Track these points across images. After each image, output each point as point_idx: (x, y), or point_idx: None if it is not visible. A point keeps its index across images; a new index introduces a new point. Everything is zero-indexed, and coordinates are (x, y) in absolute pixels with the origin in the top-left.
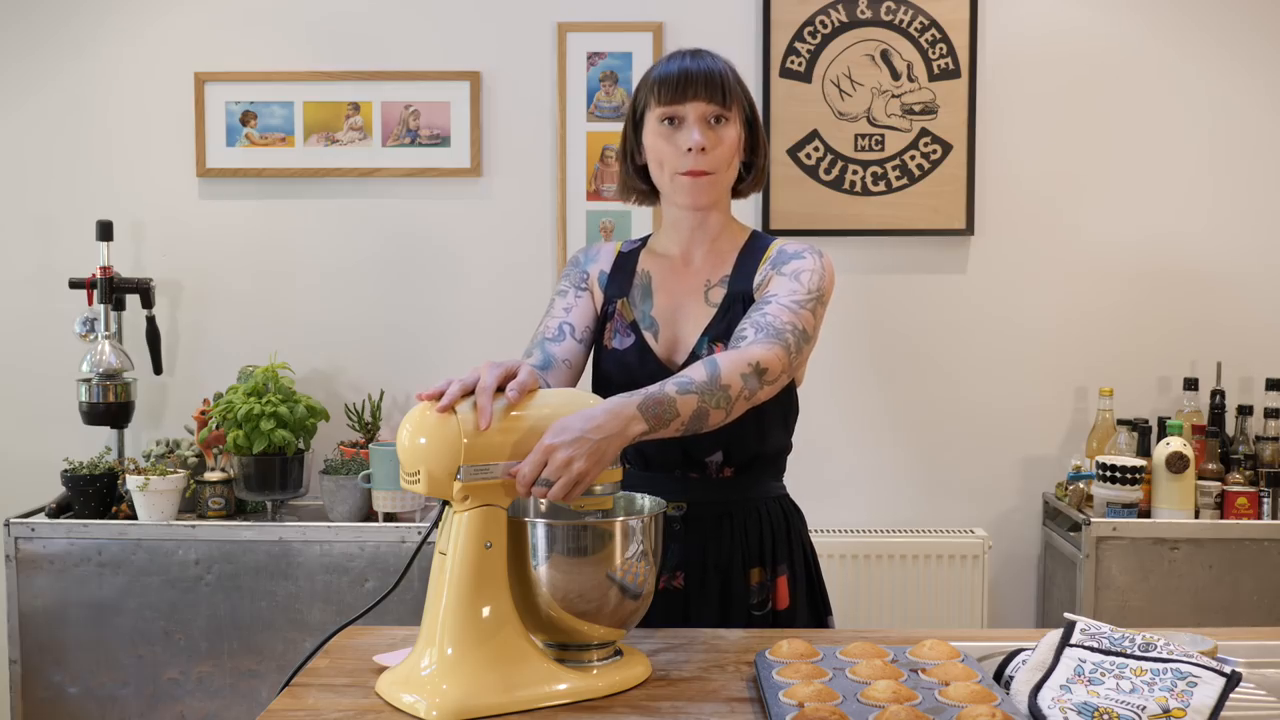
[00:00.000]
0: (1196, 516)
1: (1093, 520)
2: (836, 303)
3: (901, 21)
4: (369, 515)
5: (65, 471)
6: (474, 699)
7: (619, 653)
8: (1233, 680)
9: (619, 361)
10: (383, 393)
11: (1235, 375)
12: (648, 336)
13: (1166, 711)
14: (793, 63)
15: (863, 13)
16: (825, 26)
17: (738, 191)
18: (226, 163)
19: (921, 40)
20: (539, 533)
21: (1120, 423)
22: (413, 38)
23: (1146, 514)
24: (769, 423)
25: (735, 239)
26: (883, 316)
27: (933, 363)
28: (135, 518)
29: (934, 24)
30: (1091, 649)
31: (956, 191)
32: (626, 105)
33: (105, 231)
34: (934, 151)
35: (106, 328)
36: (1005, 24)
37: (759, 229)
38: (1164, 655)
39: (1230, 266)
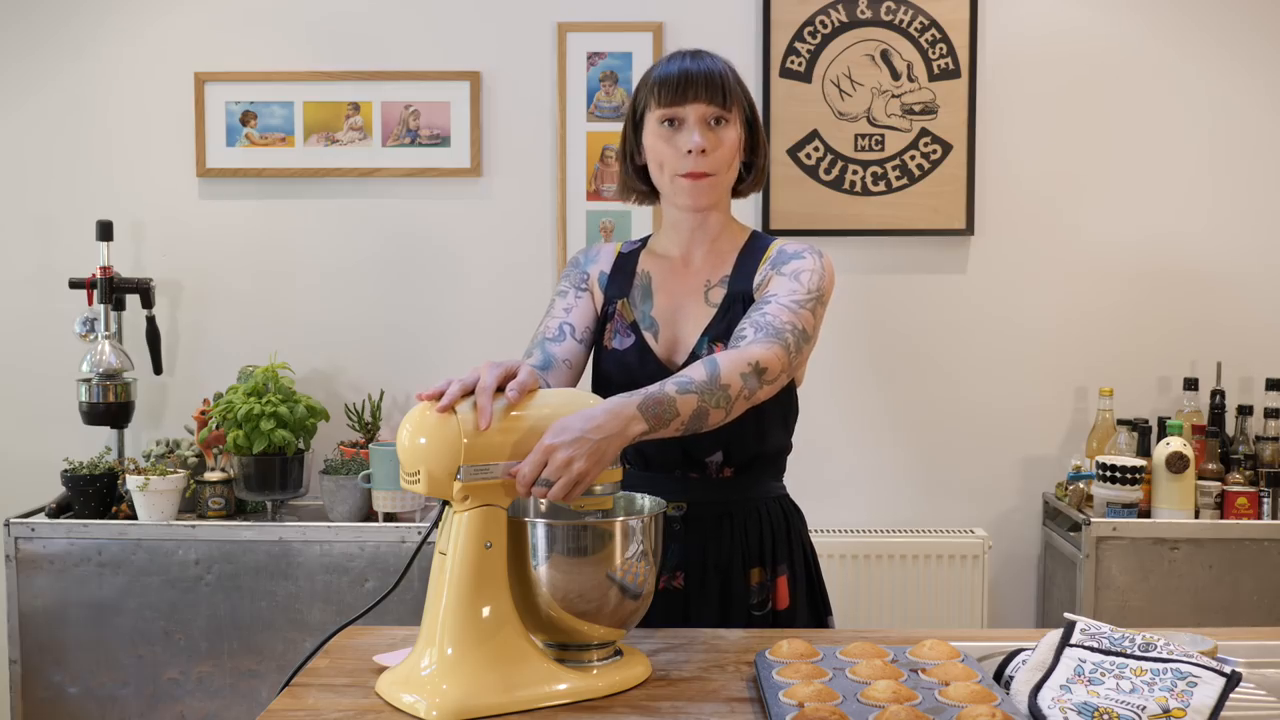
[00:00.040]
0: (1196, 516)
1: (1093, 520)
2: (836, 303)
3: (901, 21)
4: (369, 515)
5: (65, 471)
6: (474, 699)
7: (619, 653)
8: (1233, 680)
9: (619, 362)
10: (383, 393)
11: (1235, 375)
12: (648, 337)
13: (1166, 711)
14: (793, 63)
15: (863, 13)
16: (825, 26)
17: (737, 192)
18: (226, 163)
19: (921, 40)
20: (539, 533)
21: (1120, 423)
22: (413, 38)
23: (1146, 514)
24: (769, 423)
25: (735, 239)
26: (883, 316)
27: (933, 363)
28: (135, 518)
29: (934, 24)
30: (1091, 649)
31: (956, 191)
32: (626, 105)
33: (105, 231)
34: (934, 151)
35: (106, 328)
36: (1005, 24)
37: (759, 229)
38: (1164, 655)
39: (1230, 266)
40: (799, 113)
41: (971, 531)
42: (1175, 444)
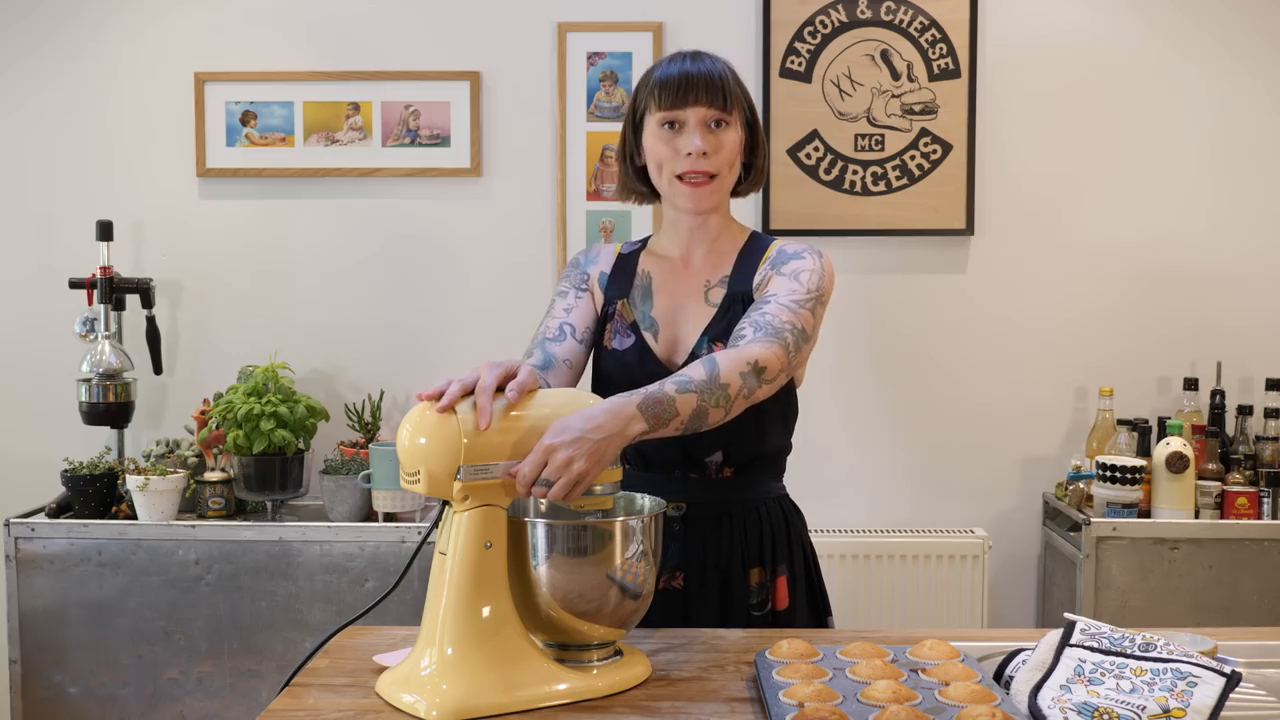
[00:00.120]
0: (1196, 516)
1: (1093, 520)
2: (836, 303)
3: (901, 21)
4: (369, 515)
5: (65, 471)
6: (474, 699)
7: (619, 653)
8: (1233, 680)
9: (619, 362)
10: (383, 393)
11: (1235, 375)
12: (648, 337)
13: (1166, 711)
14: (793, 63)
15: (863, 13)
16: (825, 26)
17: (736, 192)
18: (226, 163)
19: (921, 40)
20: (539, 533)
21: (1120, 423)
22: (413, 38)
23: (1146, 514)
24: (768, 423)
25: (735, 239)
26: (883, 316)
27: (933, 363)
28: (135, 518)
29: (934, 24)
30: (1091, 649)
31: (956, 191)
32: (626, 106)
33: (105, 231)
34: (934, 151)
35: (106, 328)
36: (1005, 24)
37: (759, 229)
38: (1164, 655)
39: (1230, 266)
40: (799, 113)
41: (971, 531)
42: (1175, 444)
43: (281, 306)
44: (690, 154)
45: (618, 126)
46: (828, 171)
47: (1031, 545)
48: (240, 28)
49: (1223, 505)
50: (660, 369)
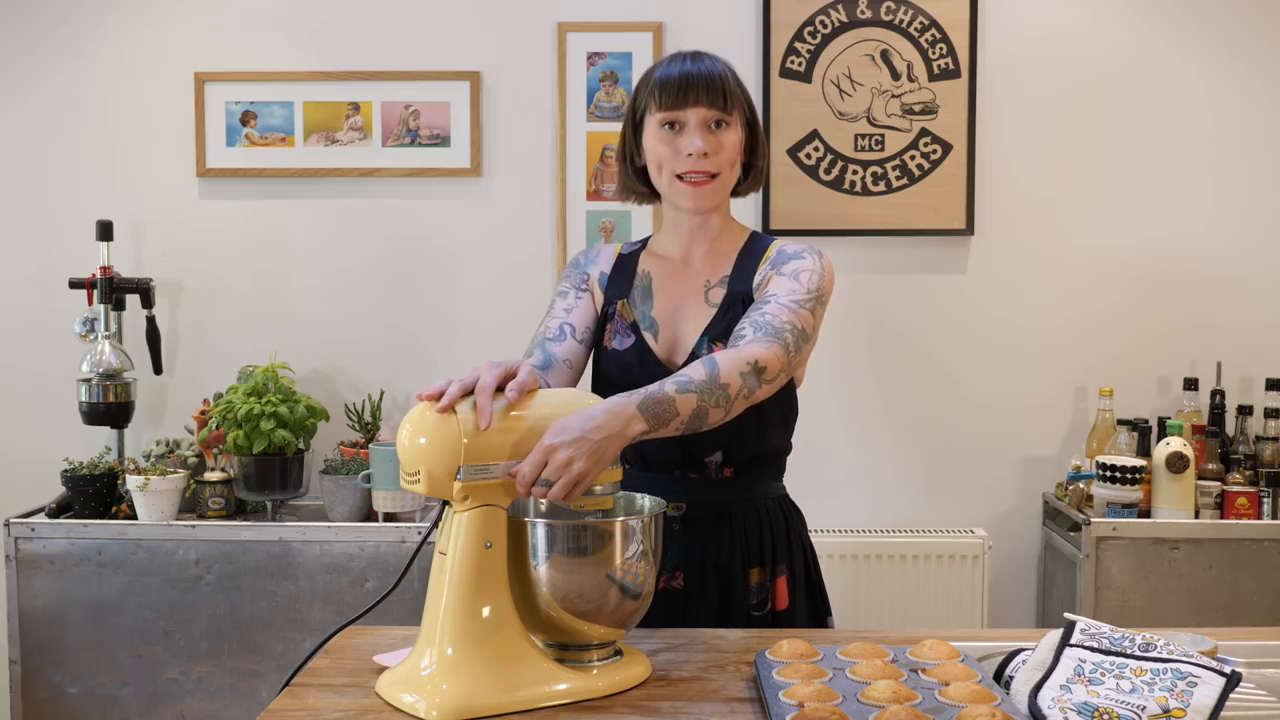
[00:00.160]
0: (1196, 516)
1: (1093, 520)
2: (836, 303)
3: (901, 21)
4: (369, 515)
5: (65, 471)
6: (474, 699)
7: (619, 653)
8: (1233, 680)
9: (619, 362)
10: (383, 393)
11: (1235, 375)
12: (647, 337)
13: (1166, 711)
14: (793, 63)
15: (863, 13)
16: (825, 26)
17: (736, 192)
18: (226, 163)
19: (921, 40)
20: (539, 533)
21: (1120, 423)
22: (412, 38)
23: (1146, 514)
24: (768, 423)
25: (735, 239)
26: (883, 316)
27: (933, 363)
28: (135, 518)
29: (934, 24)
30: (1091, 649)
31: (956, 191)
32: (626, 106)
33: (105, 231)
34: (934, 151)
35: (106, 328)
36: (1005, 24)
37: (759, 229)
38: (1164, 655)
39: (1230, 267)
40: (799, 113)
41: (971, 531)
42: (1175, 444)
43: (281, 306)
44: (691, 154)
45: (618, 126)
46: (828, 171)
47: (1031, 545)
48: (240, 28)
49: (1223, 505)
50: (660, 369)
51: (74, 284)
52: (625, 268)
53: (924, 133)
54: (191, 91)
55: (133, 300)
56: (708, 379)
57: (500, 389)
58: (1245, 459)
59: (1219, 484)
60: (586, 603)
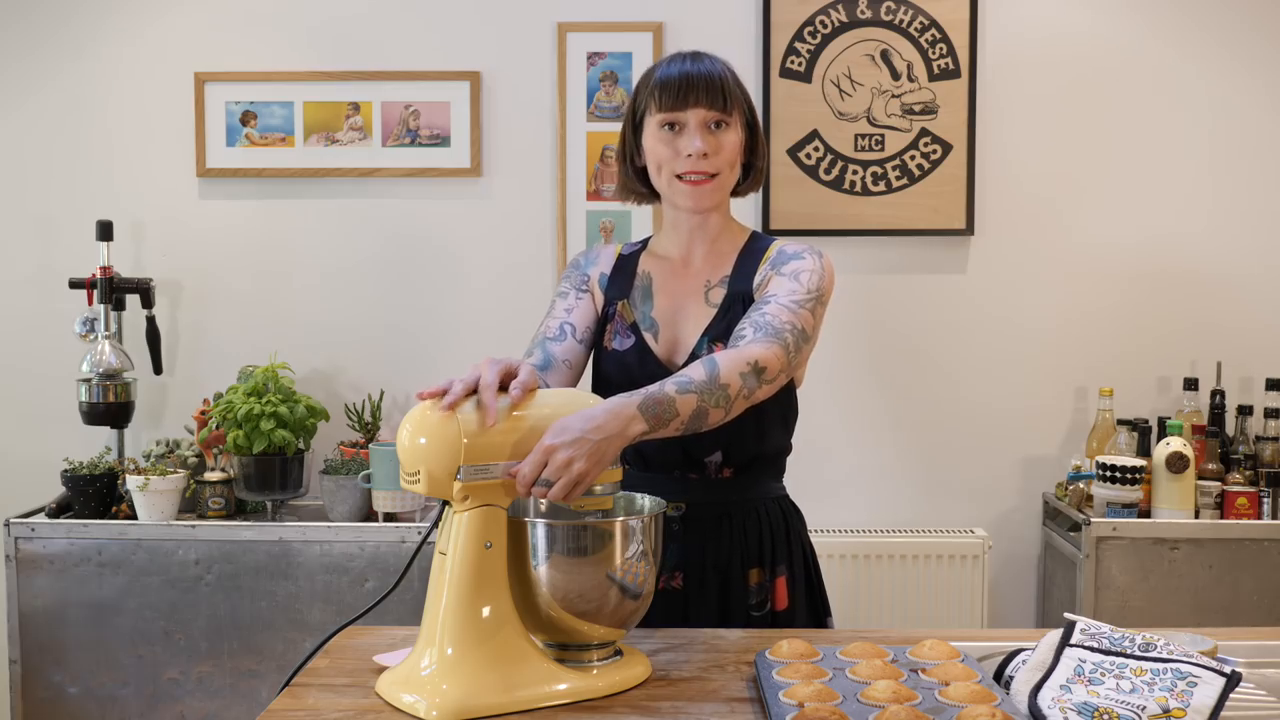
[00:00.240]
0: (1196, 516)
1: (1093, 520)
2: (836, 303)
3: (901, 21)
4: (369, 515)
5: (65, 471)
6: (474, 699)
7: (619, 653)
8: (1233, 680)
9: (619, 362)
10: (383, 393)
11: (1235, 375)
12: (647, 337)
13: (1166, 711)
14: (793, 63)
15: (863, 13)
16: (825, 26)
17: (736, 192)
18: (226, 163)
19: (921, 40)
20: (539, 533)
21: (1120, 423)
22: (412, 38)
23: (1146, 514)
24: (768, 423)
25: (735, 240)
26: (883, 316)
27: (933, 363)
28: (135, 518)
29: (934, 24)
30: (1091, 649)
31: (956, 191)
32: (626, 106)
33: (105, 231)
34: (934, 151)
35: (106, 328)
36: (1005, 24)
37: (759, 229)
38: (1164, 655)
39: (1230, 267)
40: (799, 113)
41: (971, 531)
42: (1175, 444)
43: (281, 306)
44: (690, 155)
45: (618, 126)
46: (828, 171)
47: (1031, 545)
48: (240, 28)
49: (1223, 505)
50: (660, 369)
51: (74, 284)
52: (625, 268)
53: (924, 133)
54: (191, 91)
55: (133, 300)
56: (708, 379)
57: (503, 387)
58: (1245, 459)
59: (1219, 484)
60: (586, 603)
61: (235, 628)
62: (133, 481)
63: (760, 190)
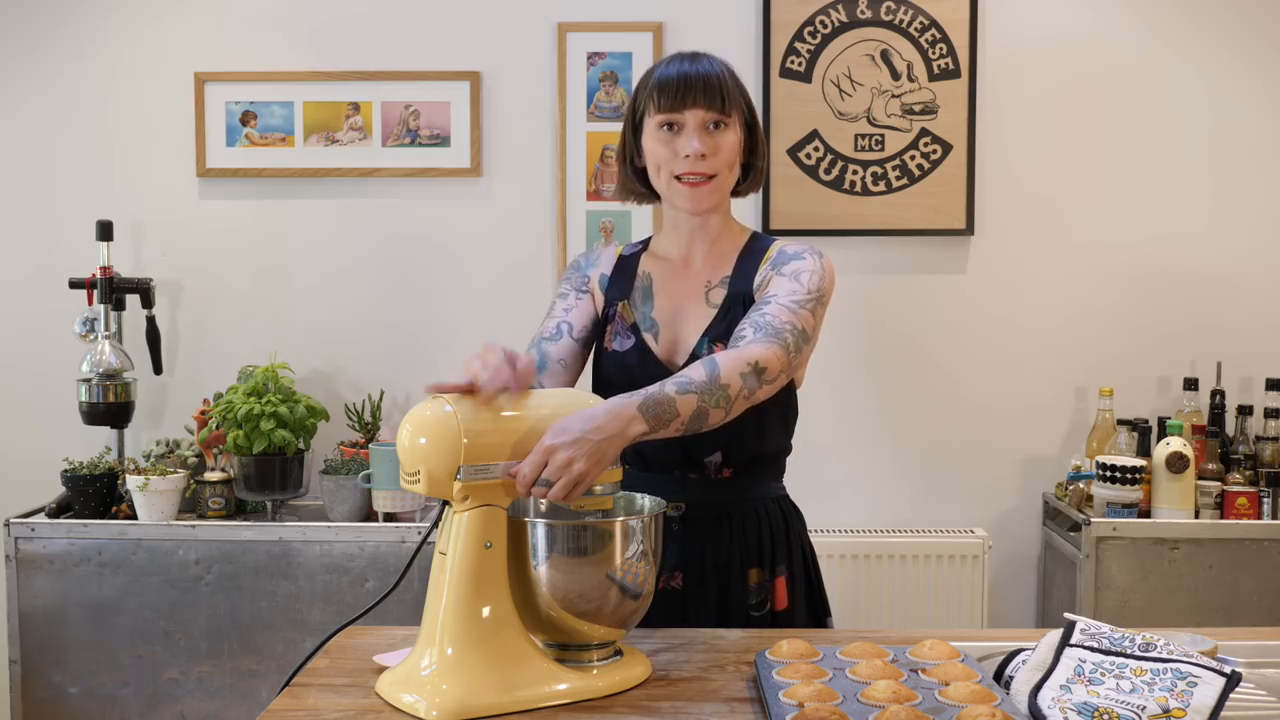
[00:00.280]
0: (1196, 516)
1: (1093, 520)
2: (836, 303)
3: (901, 21)
4: (369, 515)
5: (65, 471)
6: (474, 699)
7: (619, 653)
8: (1233, 680)
9: (619, 363)
10: (383, 393)
11: (1235, 375)
12: (647, 338)
13: (1166, 711)
14: (793, 63)
15: (863, 13)
16: (825, 26)
17: (736, 192)
18: (226, 163)
19: (921, 40)
20: (539, 533)
21: (1120, 423)
22: (412, 38)
23: (1146, 514)
24: (768, 424)
25: (735, 240)
26: (883, 316)
27: (933, 363)
28: (135, 518)
29: (934, 24)
30: (1091, 649)
31: (956, 191)
32: (626, 106)
33: (105, 231)
34: (934, 151)
35: (106, 328)
36: (1005, 24)
37: (759, 229)
38: (1164, 655)
39: (1230, 267)
40: (799, 113)
41: (971, 531)
42: (1175, 444)
43: (281, 306)
44: (688, 156)
45: (618, 126)
46: (828, 171)
47: (1031, 545)
48: (240, 28)
49: (1223, 505)
50: (661, 370)
51: (74, 284)
52: (626, 269)
53: (924, 133)
54: (191, 91)
55: (133, 300)
56: (708, 380)
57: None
58: (1245, 459)
59: (1219, 484)
60: (586, 603)
61: (235, 628)
62: (133, 481)
63: (760, 190)
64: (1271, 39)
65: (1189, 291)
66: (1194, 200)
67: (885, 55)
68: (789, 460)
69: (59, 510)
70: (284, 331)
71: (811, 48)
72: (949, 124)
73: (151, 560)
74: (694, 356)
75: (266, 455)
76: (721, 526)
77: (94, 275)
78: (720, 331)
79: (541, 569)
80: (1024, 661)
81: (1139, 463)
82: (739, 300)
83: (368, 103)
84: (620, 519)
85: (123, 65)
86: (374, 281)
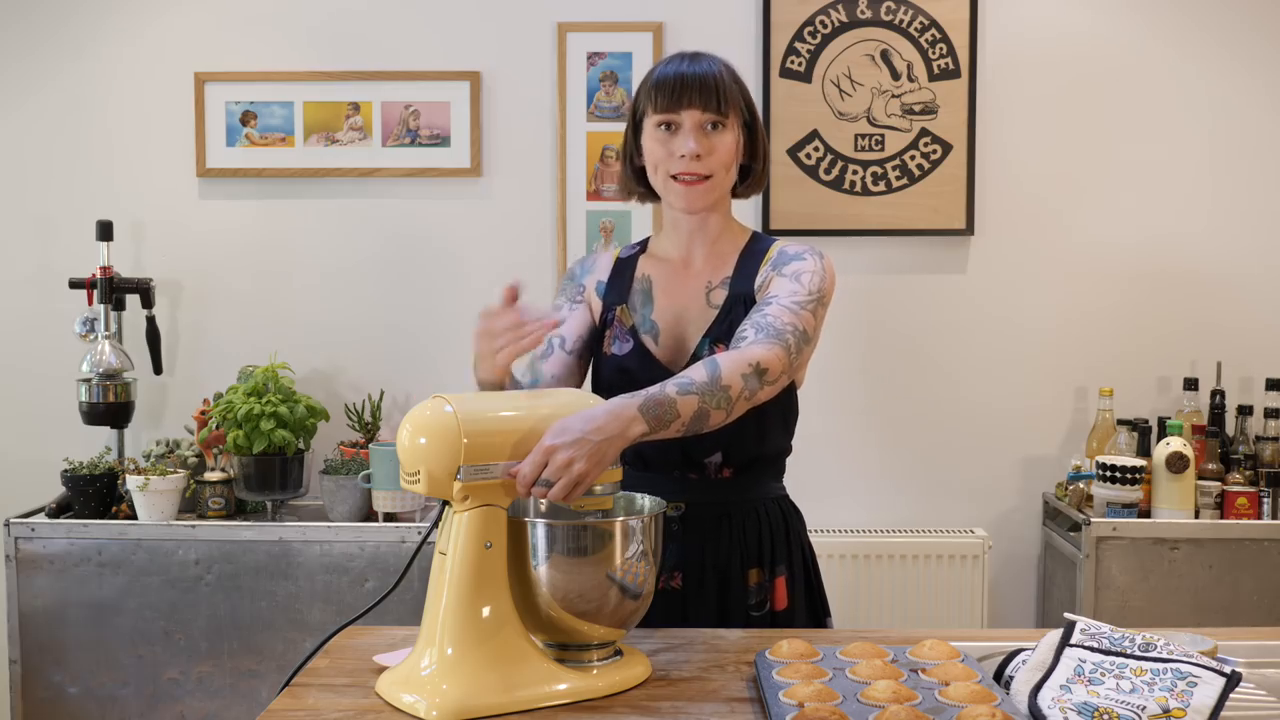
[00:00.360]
0: (1196, 516)
1: (1093, 520)
2: (836, 303)
3: (901, 21)
4: (369, 515)
5: (65, 471)
6: (474, 699)
7: (619, 653)
8: (1233, 680)
9: (619, 367)
10: (383, 393)
11: (1235, 375)
12: (646, 340)
13: (1166, 711)
14: (793, 63)
15: (863, 13)
16: (825, 26)
17: (737, 193)
18: (226, 163)
19: (921, 40)
20: (539, 533)
21: (1120, 423)
22: (413, 38)
23: (1146, 514)
24: (768, 424)
25: (736, 240)
26: (883, 316)
27: (933, 363)
28: (135, 518)
29: (934, 24)
30: (1091, 649)
31: (956, 191)
32: (626, 105)
33: (105, 231)
34: (934, 151)
35: (106, 328)
36: (1005, 24)
37: (759, 229)
38: (1164, 655)
39: (1230, 267)
40: (799, 113)
41: (971, 531)
42: (1175, 444)
43: (281, 306)
44: (684, 156)
45: (618, 126)
46: (828, 171)
47: (1031, 545)
48: (240, 28)
49: (1223, 505)
50: (661, 371)
51: (74, 284)
52: (623, 272)
53: (924, 133)
54: (191, 91)
55: (133, 300)
56: (709, 380)
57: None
58: (1245, 459)
59: (1219, 484)
60: (586, 603)
61: (235, 628)
62: (133, 481)
63: (760, 192)
64: (1271, 39)
65: (1189, 291)
66: (1194, 200)
67: (885, 55)
68: (789, 460)
69: (59, 510)
70: (284, 331)
71: (811, 48)
72: (949, 124)
73: (151, 560)
74: (695, 357)
75: (266, 455)
76: (721, 527)
77: (94, 275)
78: (722, 332)
79: (541, 569)
80: (1024, 661)
81: (1139, 463)
82: (740, 301)
83: (368, 103)
84: (620, 519)
85: (123, 65)
86: (374, 281)
